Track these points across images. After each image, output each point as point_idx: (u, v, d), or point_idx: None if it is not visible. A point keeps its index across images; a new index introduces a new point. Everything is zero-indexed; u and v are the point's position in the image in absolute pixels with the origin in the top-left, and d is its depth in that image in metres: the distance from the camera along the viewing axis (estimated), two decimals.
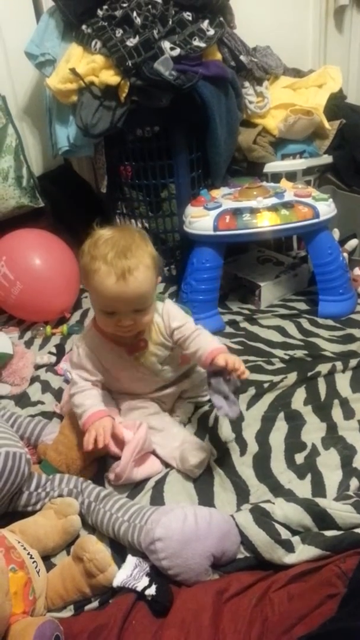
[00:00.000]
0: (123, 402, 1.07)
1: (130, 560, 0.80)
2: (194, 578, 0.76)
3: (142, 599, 0.76)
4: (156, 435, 1.03)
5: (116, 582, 0.77)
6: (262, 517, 0.82)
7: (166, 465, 1.01)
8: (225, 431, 1.07)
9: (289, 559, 0.77)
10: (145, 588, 0.75)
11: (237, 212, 1.39)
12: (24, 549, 0.79)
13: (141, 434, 0.98)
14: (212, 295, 1.47)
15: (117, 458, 0.98)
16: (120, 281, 0.86)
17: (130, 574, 0.78)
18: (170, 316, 1.00)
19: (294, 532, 0.81)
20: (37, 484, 0.92)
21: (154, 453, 1.02)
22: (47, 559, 0.85)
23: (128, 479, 0.95)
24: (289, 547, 0.78)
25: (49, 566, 0.84)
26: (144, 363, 1.01)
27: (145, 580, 0.76)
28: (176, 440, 1.01)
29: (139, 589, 0.75)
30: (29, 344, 1.53)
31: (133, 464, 0.96)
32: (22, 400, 1.27)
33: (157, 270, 0.93)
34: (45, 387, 1.31)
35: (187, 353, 1.00)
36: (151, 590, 0.74)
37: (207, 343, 0.96)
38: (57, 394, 1.26)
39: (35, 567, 0.78)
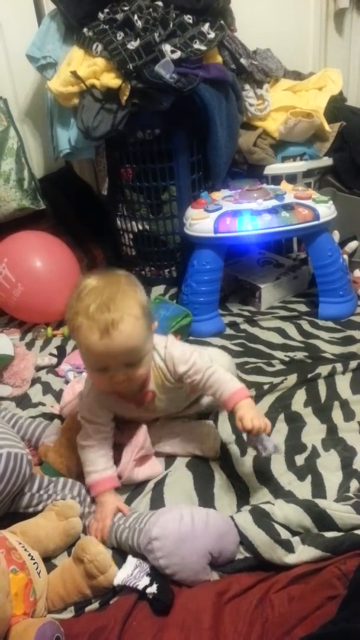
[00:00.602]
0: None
1: (131, 560, 0.81)
2: (192, 577, 0.77)
3: (142, 599, 0.76)
4: (161, 439, 1.03)
5: (117, 581, 0.78)
6: (262, 518, 0.82)
7: (166, 467, 1.01)
8: (226, 433, 1.07)
9: (289, 559, 0.77)
10: (146, 587, 0.75)
11: (237, 214, 1.40)
12: (25, 550, 0.79)
13: (141, 436, 0.98)
14: (213, 297, 1.47)
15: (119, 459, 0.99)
16: (104, 337, 0.79)
17: (131, 573, 0.78)
18: (174, 362, 0.91)
19: (294, 533, 0.81)
20: (39, 486, 0.92)
21: (161, 454, 1.03)
22: (47, 560, 0.85)
23: (129, 478, 0.96)
24: (288, 547, 0.78)
25: (50, 567, 0.84)
26: (155, 410, 0.97)
27: (146, 580, 0.76)
28: (182, 435, 1.02)
29: (140, 587, 0.75)
30: (30, 345, 1.53)
31: (134, 463, 0.96)
32: (23, 401, 1.27)
33: (149, 318, 0.86)
34: (46, 388, 1.31)
35: (205, 394, 0.97)
36: (152, 589, 0.75)
37: (224, 384, 0.90)
38: (58, 396, 1.26)
39: (36, 569, 0.78)
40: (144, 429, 0.99)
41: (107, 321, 0.79)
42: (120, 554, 0.84)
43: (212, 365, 0.92)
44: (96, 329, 0.79)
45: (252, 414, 0.85)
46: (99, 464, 0.93)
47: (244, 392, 0.89)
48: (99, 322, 0.79)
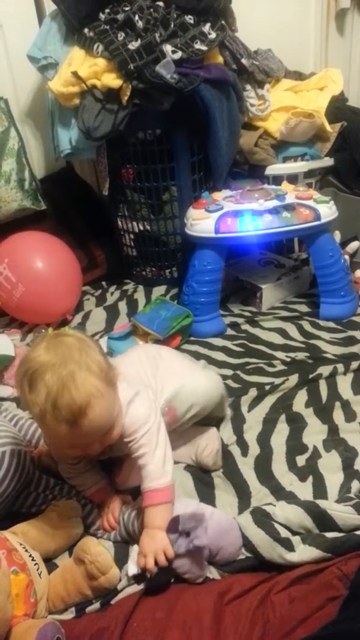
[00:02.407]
0: None
1: (135, 548, 0.81)
2: (185, 568, 0.78)
3: (144, 597, 0.76)
4: None
5: (132, 572, 0.78)
6: (262, 518, 0.83)
7: None
8: (227, 433, 1.07)
9: (289, 557, 0.77)
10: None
11: (238, 215, 1.40)
12: (26, 551, 0.79)
13: None
14: (214, 297, 1.47)
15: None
16: (73, 427, 0.73)
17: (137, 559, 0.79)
18: (123, 427, 0.83)
19: (295, 534, 0.81)
20: (45, 486, 0.92)
21: None
22: (48, 560, 0.85)
23: (127, 487, 0.96)
24: (288, 545, 0.78)
25: (51, 567, 0.84)
26: (116, 452, 0.91)
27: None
28: (182, 446, 1.01)
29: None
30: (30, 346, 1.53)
31: (134, 473, 0.95)
32: None
33: (107, 380, 0.78)
34: None
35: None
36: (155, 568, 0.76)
37: (151, 475, 0.82)
38: None
39: (37, 569, 0.78)
40: None
41: (72, 411, 0.72)
42: (120, 554, 0.85)
43: (154, 449, 0.83)
44: (62, 421, 0.72)
45: (153, 547, 0.77)
46: (88, 483, 0.93)
47: (162, 496, 0.81)
48: (63, 413, 0.72)
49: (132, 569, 0.78)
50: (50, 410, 0.72)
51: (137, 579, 0.80)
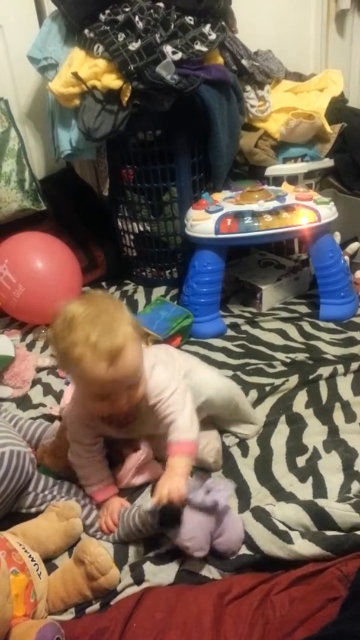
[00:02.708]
0: None
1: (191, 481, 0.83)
2: (192, 533, 0.79)
3: (144, 598, 0.76)
4: (163, 448, 1.00)
5: (145, 507, 0.83)
6: (262, 514, 0.84)
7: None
8: (228, 435, 1.07)
9: (290, 547, 0.78)
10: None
11: (238, 216, 1.40)
12: (26, 551, 0.79)
13: (143, 449, 0.97)
14: (214, 298, 1.47)
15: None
16: (111, 367, 0.77)
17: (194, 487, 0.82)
18: (148, 390, 0.88)
19: (294, 531, 0.82)
20: (44, 486, 0.92)
21: (160, 459, 1.01)
22: (48, 561, 0.86)
23: (127, 484, 0.96)
24: (287, 538, 0.79)
25: (51, 568, 0.84)
26: (136, 432, 0.95)
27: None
28: None
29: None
30: (30, 346, 1.53)
31: (134, 471, 0.96)
32: (23, 402, 1.27)
33: (139, 337, 0.84)
34: (47, 389, 1.31)
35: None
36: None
37: (178, 430, 0.86)
38: (59, 397, 1.26)
39: (37, 570, 0.78)
40: (146, 444, 0.99)
41: (112, 350, 0.77)
42: (120, 555, 0.85)
43: (182, 409, 0.87)
44: (102, 359, 0.77)
45: (169, 484, 0.79)
46: (95, 478, 0.94)
47: (187, 448, 0.84)
48: (104, 352, 0.76)
49: (146, 505, 0.82)
50: (91, 350, 0.76)
51: (137, 579, 0.79)
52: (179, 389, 0.89)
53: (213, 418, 1.05)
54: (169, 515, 0.79)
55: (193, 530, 0.78)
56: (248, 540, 0.82)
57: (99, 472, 0.94)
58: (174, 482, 0.79)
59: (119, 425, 0.92)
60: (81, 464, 0.94)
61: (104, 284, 1.84)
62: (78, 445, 0.93)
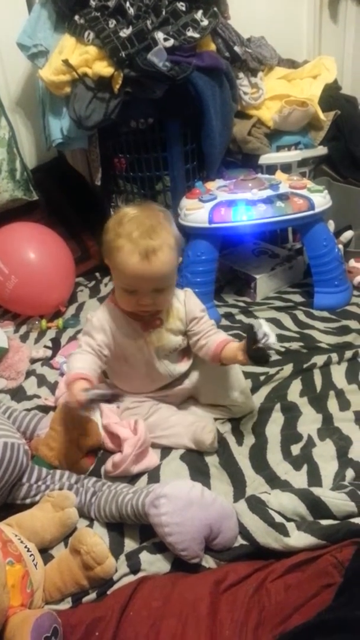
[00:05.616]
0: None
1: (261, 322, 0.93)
2: (186, 543, 0.77)
3: (140, 587, 0.76)
4: (157, 430, 1.03)
5: (273, 339, 0.91)
6: (258, 505, 0.83)
7: (160, 458, 1.01)
8: (222, 423, 1.07)
9: (286, 540, 0.78)
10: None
11: (232, 205, 1.39)
12: (21, 542, 0.79)
13: (143, 431, 0.99)
14: (208, 287, 1.47)
15: (113, 453, 1.00)
16: (144, 261, 0.88)
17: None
18: (192, 305, 1.03)
19: (289, 521, 0.82)
20: (37, 477, 0.92)
21: (157, 446, 1.03)
22: (44, 551, 0.86)
23: (125, 471, 0.96)
24: (283, 530, 0.79)
25: (47, 558, 0.84)
26: (154, 343, 1.01)
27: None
28: (179, 427, 1.02)
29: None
30: (24, 338, 1.52)
31: (133, 457, 0.96)
32: (17, 394, 1.27)
33: (179, 251, 0.94)
34: (41, 381, 1.31)
35: (194, 345, 1.03)
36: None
37: (216, 336, 1.01)
38: (53, 388, 1.26)
39: (33, 560, 0.78)
40: (143, 425, 1.00)
41: (148, 247, 0.87)
42: (116, 544, 0.85)
43: (217, 331, 1.03)
44: (137, 252, 0.87)
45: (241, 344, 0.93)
46: (78, 365, 0.93)
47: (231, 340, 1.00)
48: (140, 246, 0.87)
49: (272, 337, 0.91)
50: (130, 243, 0.88)
51: (133, 568, 0.80)
52: (211, 321, 1.05)
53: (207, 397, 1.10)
54: (263, 357, 0.92)
55: (185, 542, 0.78)
56: (243, 531, 0.81)
57: (84, 362, 0.94)
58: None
59: (144, 326, 1.00)
60: (77, 353, 0.97)
61: (97, 274, 1.83)
62: (86, 338, 0.98)
